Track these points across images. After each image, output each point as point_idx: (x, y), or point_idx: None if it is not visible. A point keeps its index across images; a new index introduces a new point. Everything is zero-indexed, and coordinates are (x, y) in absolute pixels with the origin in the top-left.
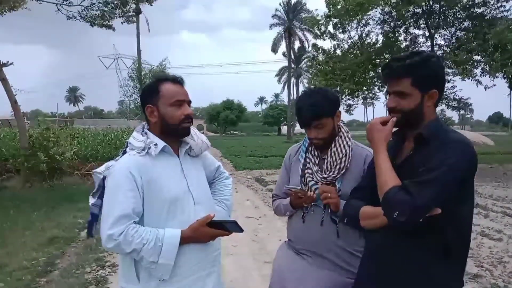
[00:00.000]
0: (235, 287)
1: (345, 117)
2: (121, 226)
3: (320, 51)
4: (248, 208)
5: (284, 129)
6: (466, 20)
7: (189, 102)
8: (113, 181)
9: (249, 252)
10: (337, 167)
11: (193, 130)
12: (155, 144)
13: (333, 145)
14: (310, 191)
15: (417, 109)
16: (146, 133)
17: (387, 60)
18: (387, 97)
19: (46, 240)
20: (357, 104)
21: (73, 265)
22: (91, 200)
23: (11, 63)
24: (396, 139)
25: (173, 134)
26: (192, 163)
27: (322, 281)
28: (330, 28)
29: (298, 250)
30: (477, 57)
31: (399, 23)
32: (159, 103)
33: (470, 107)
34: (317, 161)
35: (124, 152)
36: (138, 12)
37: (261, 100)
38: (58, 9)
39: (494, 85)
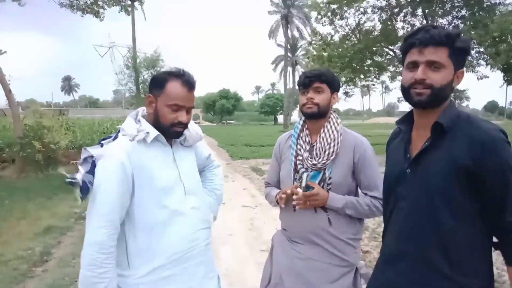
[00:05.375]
0: (231, 275)
1: (341, 105)
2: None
3: (318, 35)
4: (244, 197)
5: (280, 118)
6: (464, 8)
7: (190, 108)
8: (103, 172)
9: (245, 240)
10: (326, 152)
11: None
12: (147, 132)
13: (321, 130)
14: (301, 179)
15: (447, 88)
16: (139, 121)
17: (385, 48)
18: (415, 70)
19: (41, 229)
20: (353, 92)
21: (69, 254)
22: (82, 170)
23: (4, 52)
24: (404, 128)
25: (162, 132)
26: (185, 153)
27: (318, 272)
28: (329, 14)
29: (291, 238)
30: (477, 48)
31: (396, 10)
32: (159, 98)
33: (466, 94)
34: (307, 148)
35: (115, 138)
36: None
37: (257, 89)
38: None
39: (487, 76)
